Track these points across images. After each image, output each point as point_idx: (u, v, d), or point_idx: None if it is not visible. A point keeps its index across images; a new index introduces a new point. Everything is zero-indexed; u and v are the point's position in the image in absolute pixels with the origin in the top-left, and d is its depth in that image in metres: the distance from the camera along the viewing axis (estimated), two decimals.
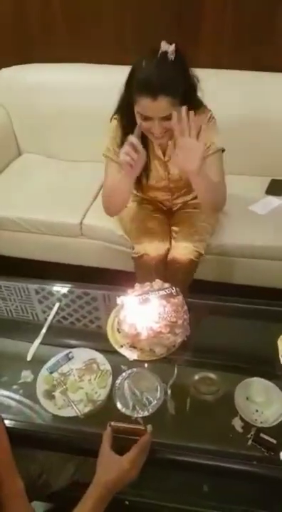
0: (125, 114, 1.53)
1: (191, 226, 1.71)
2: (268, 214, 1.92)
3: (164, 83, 1.35)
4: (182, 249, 1.64)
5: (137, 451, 0.94)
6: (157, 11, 2.08)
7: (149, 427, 0.99)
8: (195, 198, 1.76)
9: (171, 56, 1.36)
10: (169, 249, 1.67)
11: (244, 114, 2.03)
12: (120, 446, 0.96)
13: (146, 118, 1.43)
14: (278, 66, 2.08)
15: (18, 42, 2.35)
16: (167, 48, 1.36)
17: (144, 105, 1.39)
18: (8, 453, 0.88)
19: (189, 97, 1.44)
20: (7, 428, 0.89)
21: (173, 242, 1.68)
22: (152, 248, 1.65)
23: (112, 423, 1.00)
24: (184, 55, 1.40)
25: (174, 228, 1.73)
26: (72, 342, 1.30)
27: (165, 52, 1.36)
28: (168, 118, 1.40)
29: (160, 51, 1.36)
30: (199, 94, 1.52)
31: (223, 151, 1.60)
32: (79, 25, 2.24)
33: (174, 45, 1.36)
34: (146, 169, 1.61)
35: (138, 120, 1.46)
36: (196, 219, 1.74)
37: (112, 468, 0.92)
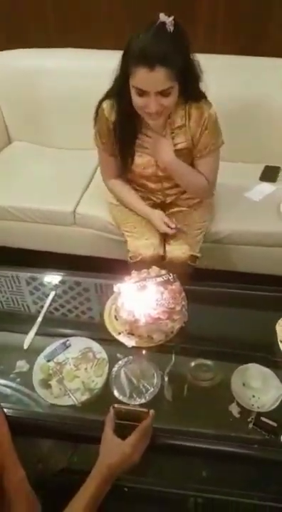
0: (120, 95, 1.48)
1: (187, 229, 1.69)
2: (262, 200, 1.92)
3: (161, 53, 1.30)
4: (178, 253, 1.63)
5: (138, 435, 0.94)
6: None
7: (151, 412, 0.99)
8: None
9: (170, 27, 1.30)
10: (164, 254, 1.65)
11: (237, 101, 2.01)
12: (122, 430, 0.96)
13: (141, 93, 1.38)
14: (272, 52, 2.06)
15: (8, 27, 2.30)
16: (166, 19, 1.30)
17: (140, 77, 1.34)
18: (9, 442, 0.88)
19: (188, 76, 1.41)
20: (6, 417, 0.89)
21: (168, 246, 1.67)
22: (147, 251, 1.63)
23: (116, 405, 1.00)
24: (184, 31, 1.35)
25: None
26: (67, 331, 1.29)
27: (163, 23, 1.30)
28: (165, 94, 1.37)
29: (158, 21, 1.30)
30: (203, 87, 1.50)
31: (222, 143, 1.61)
32: (70, 10, 2.20)
33: (172, 17, 1.31)
34: (132, 152, 1.60)
35: (134, 97, 1.41)
36: (191, 220, 1.73)
37: (114, 452, 0.92)
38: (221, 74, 1.98)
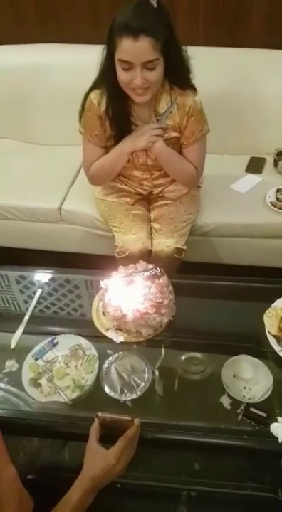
0: (108, 77, 1.48)
1: (172, 222, 1.69)
2: (248, 192, 1.93)
3: (144, 23, 1.32)
4: (164, 247, 1.63)
5: (122, 445, 0.93)
6: None
7: (136, 420, 0.97)
8: (174, 181, 1.75)
9: (153, 2, 1.33)
10: (151, 249, 1.65)
11: (222, 92, 2.01)
12: (109, 433, 0.95)
13: (127, 68, 1.39)
14: (254, 43, 2.06)
15: None
16: None
17: (125, 48, 1.35)
18: (0, 440, 0.87)
19: (172, 57, 1.42)
20: None
21: (154, 240, 1.67)
22: (135, 245, 1.63)
23: (99, 414, 0.98)
24: (167, 11, 1.38)
25: (155, 225, 1.71)
26: (56, 329, 1.28)
27: None
28: (149, 67, 1.38)
29: None
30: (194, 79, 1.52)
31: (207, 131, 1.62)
32: (51, 5, 2.16)
33: None
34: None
35: (119, 73, 1.41)
36: (177, 213, 1.72)
37: (98, 463, 0.91)
38: (206, 66, 1.96)
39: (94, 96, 1.57)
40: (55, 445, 1.22)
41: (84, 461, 0.93)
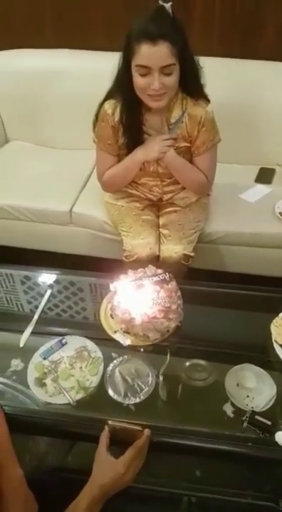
0: (123, 85, 1.50)
1: (180, 229, 1.70)
2: (257, 202, 1.93)
3: (163, 29, 1.36)
4: (172, 253, 1.64)
5: (132, 454, 0.93)
6: None
7: (146, 431, 0.97)
8: (184, 188, 1.76)
9: (170, 10, 1.39)
10: (159, 254, 1.66)
11: (234, 103, 2.02)
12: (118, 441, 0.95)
13: (144, 73, 1.41)
14: (268, 55, 2.07)
15: (5, 27, 2.29)
16: (165, 4, 1.38)
17: (143, 53, 1.38)
18: (9, 441, 0.88)
19: (186, 65, 1.45)
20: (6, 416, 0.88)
21: (162, 246, 1.68)
22: (143, 250, 1.64)
23: (110, 422, 0.98)
24: (181, 22, 1.43)
25: (163, 231, 1.72)
26: (63, 330, 1.29)
27: (163, 6, 1.38)
28: (167, 72, 1.41)
29: (157, 6, 1.39)
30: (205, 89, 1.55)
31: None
32: (67, 11, 2.19)
33: (171, 3, 1.38)
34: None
35: (136, 79, 1.44)
36: (185, 220, 1.73)
37: (107, 471, 0.91)
38: (217, 76, 1.97)
39: (108, 106, 1.59)
40: (61, 449, 1.22)
41: (93, 469, 0.92)
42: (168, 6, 1.38)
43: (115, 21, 2.14)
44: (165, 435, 1.03)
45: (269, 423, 1.01)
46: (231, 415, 1.06)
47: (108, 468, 0.91)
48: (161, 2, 1.39)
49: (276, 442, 0.99)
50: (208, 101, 1.59)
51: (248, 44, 2.12)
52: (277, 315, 1.23)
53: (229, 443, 1.01)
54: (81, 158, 2.11)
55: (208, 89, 1.60)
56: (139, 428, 0.97)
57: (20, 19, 2.26)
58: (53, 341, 1.22)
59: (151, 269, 1.32)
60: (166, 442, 1.03)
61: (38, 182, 2.07)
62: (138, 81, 1.44)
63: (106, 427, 0.98)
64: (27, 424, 1.08)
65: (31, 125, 2.32)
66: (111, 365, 1.17)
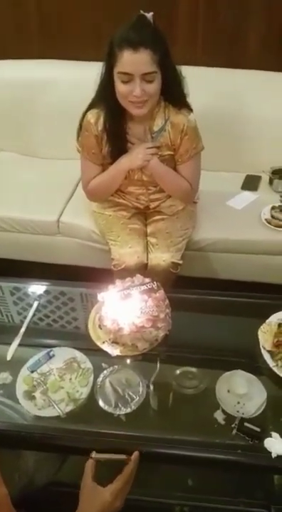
0: (106, 94, 1.52)
1: (168, 237, 1.71)
2: (244, 209, 1.95)
3: (144, 36, 1.39)
4: (160, 261, 1.65)
5: (120, 484, 0.91)
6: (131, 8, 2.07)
7: (134, 454, 0.96)
8: (171, 196, 1.77)
9: (151, 19, 1.41)
10: (147, 263, 1.67)
11: (219, 112, 2.05)
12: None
13: (126, 80, 1.43)
14: (251, 64, 2.11)
15: None
16: (146, 13, 1.41)
17: (125, 60, 1.40)
18: None
19: (168, 74, 1.47)
20: None
21: (150, 254, 1.68)
22: (131, 259, 1.64)
23: (93, 455, 0.96)
24: (162, 31, 1.46)
25: (151, 240, 1.73)
26: (52, 342, 1.28)
27: (143, 15, 1.41)
28: (148, 79, 1.42)
29: (138, 14, 1.41)
30: (190, 98, 1.57)
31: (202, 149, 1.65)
32: (54, 22, 2.21)
33: (152, 13, 1.41)
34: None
35: (118, 86, 1.45)
36: (173, 228, 1.74)
37: (95, 501, 0.90)
38: (203, 85, 2.02)
39: (91, 116, 1.60)
40: (51, 467, 1.20)
41: (80, 499, 0.91)
42: (149, 15, 1.41)
43: (101, 32, 2.15)
44: (156, 446, 1.03)
45: (258, 430, 1.01)
46: (222, 422, 1.06)
47: (96, 498, 0.90)
48: (142, 12, 1.41)
49: (265, 449, 0.99)
50: (190, 110, 1.61)
51: (231, 53, 2.15)
52: (264, 321, 1.24)
53: (220, 451, 1.00)
54: (68, 168, 2.11)
55: (194, 98, 1.62)
56: (124, 457, 0.95)
57: (5, 30, 2.27)
58: (41, 354, 1.21)
59: (138, 278, 1.32)
60: (157, 453, 1.02)
61: (25, 192, 2.07)
62: (120, 88, 1.45)
63: (90, 459, 0.96)
64: (15, 439, 1.06)
65: (17, 135, 2.31)
66: (101, 375, 1.16)
